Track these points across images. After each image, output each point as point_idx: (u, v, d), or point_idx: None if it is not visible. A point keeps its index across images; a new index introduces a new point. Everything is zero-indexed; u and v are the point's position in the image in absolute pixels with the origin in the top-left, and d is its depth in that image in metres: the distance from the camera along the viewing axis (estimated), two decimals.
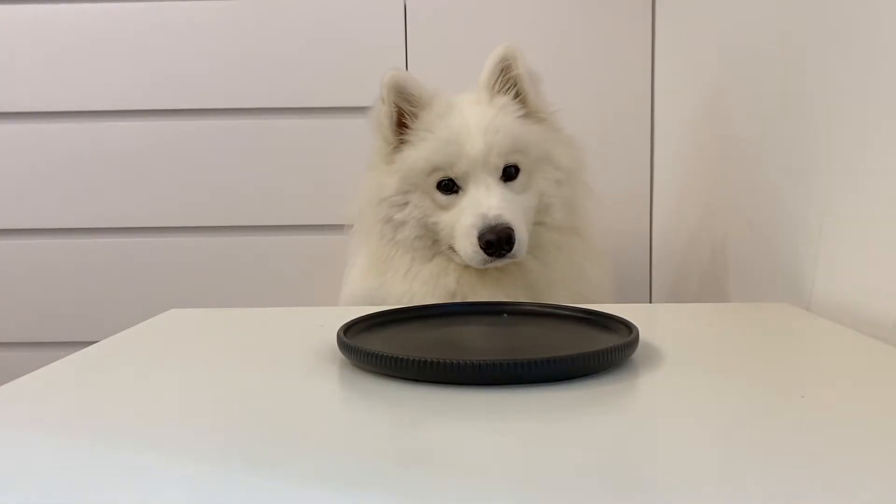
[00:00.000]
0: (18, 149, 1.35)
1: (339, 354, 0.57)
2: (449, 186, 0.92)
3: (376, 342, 0.57)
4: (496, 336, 0.67)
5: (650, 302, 1.34)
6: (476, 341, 0.67)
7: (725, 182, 1.02)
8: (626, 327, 0.58)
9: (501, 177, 0.92)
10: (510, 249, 0.87)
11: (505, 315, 0.70)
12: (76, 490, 0.36)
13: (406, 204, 0.94)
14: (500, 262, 0.89)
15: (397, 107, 0.94)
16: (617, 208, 1.33)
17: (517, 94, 0.95)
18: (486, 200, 0.89)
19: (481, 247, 0.87)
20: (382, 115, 0.94)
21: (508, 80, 0.95)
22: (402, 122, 0.95)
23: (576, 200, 0.97)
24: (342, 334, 0.58)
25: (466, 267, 0.92)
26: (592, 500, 0.34)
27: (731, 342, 0.66)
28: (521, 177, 0.93)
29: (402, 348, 0.53)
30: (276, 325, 0.78)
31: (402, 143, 0.95)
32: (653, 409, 0.48)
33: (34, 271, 1.38)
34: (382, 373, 0.52)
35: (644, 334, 0.57)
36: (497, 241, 0.86)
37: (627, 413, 0.48)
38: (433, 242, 0.94)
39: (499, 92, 0.95)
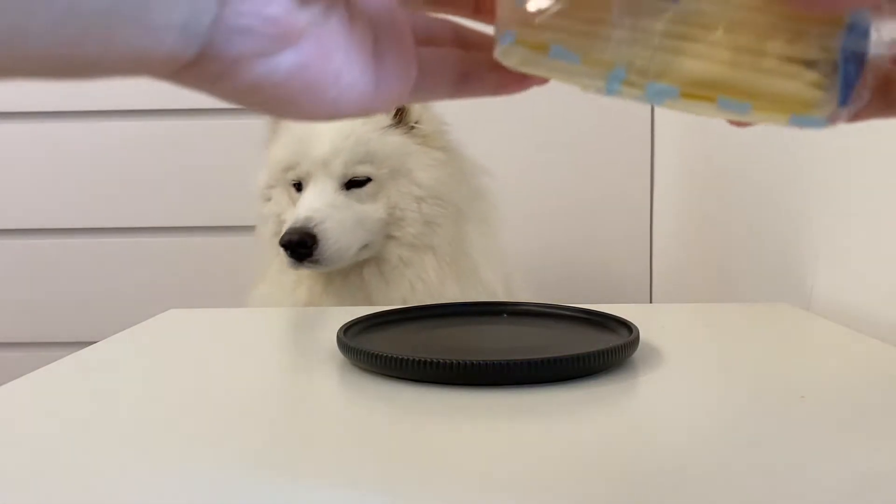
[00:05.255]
0: (18, 149, 1.35)
1: (339, 354, 0.57)
2: (299, 185, 0.91)
3: (376, 342, 0.57)
4: (496, 336, 0.67)
5: (650, 302, 1.34)
6: (476, 341, 0.67)
7: (726, 181, 1.02)
8: (626, 327, 0.58)
9: (346, 183, 0.88)
10: (309, 254, 0.82)
11: (505, 315, 0.70)
12: (76, 490, 0.36)
13: (269, 199, 0.94)
14: (308, 268, 0.86)
15: None
16: (617, 209, 1.34)
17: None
18: (306, 203, 0.85)
19: (282, 245, 0.83)
20: None
21: None
22: None
23: (438, 220, 0.90)
24: (342, 334, 0.58)
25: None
26: (592, 500, 0.34)
27: (731, 342, 0.66)
28: (370, 186, 0.89)
29: (402, 348, 0.53)
30: (276, 325, 0.78)
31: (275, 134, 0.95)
32: (653, 409, 0.48)
33: (34, 271, 1.37)
34: (382, 373, 0.52)
35: (644, 334, 0.57)
36: (290, 244, 0.82)
37: (627, 413, 0.48)
38: None
39: None
